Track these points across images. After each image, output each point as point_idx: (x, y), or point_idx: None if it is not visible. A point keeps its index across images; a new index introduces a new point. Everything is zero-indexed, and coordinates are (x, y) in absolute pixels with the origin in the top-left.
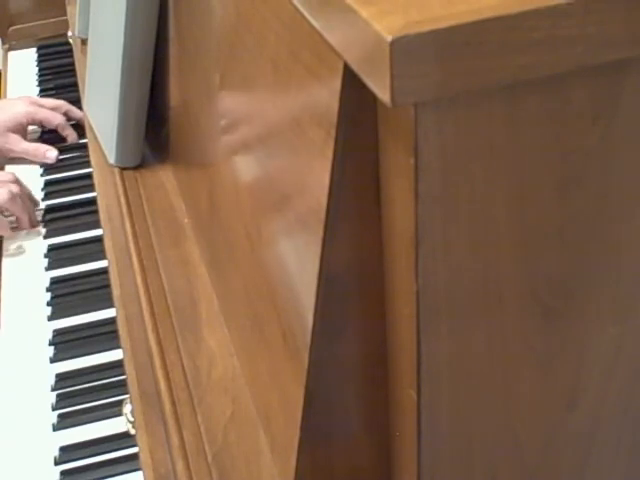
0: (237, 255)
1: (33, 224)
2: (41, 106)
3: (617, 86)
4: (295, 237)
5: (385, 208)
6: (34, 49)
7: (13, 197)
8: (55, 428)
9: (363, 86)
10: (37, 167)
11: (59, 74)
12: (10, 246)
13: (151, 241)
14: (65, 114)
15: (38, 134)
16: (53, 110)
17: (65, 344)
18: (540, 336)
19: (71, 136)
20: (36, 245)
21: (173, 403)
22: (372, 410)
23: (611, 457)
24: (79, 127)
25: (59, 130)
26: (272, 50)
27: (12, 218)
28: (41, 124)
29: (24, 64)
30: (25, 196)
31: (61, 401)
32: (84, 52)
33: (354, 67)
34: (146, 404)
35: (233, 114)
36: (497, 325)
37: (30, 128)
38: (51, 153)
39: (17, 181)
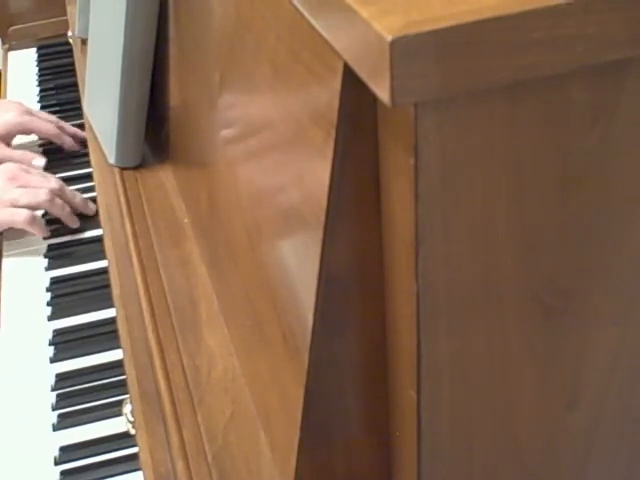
0: (237, 255)
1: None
2: (33, 116)
3: (617, 86)
4: (295, 237)
5: (385, 208)
6: (34, 49)
7: (52, 198)
8: (55, 428)
9: (363, 86)
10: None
11: (59, 74)
12: (10, 246)
13: (151, 241)
14: (59, 129)
15: (37, 146)
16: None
17: (65, 344)
18: (540, 336)
19: (68, 143)
20: (36, 245)
21: (173, 403)
22: (372, 410)
23: (611, 457)
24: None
25: (54, 140)
26: (272, 50)
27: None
28: (32, 133)
29: (24, 64)
30: (67, 196)
31: (61, 401)
32: (84, 52)
33: (354, 67)
34: (146, 404)
35: (233, 114)
36: (497, 325)
37: (27, 140)
38: (38, 161)
39: (61, 184)
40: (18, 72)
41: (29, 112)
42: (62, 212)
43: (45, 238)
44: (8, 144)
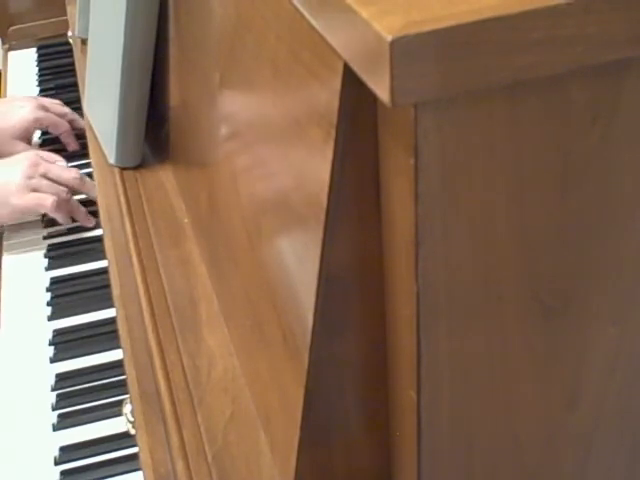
0: (237, 255)
1: (87, 221)
2: (47, 110)
3: (617, 86)
4: (295, 237)
5: (385, 208)
6: (34, 49)
7: (59, 204)
8: (55, 428)
9: (363, 86)
10: None
11: (59, 74)
12: (10, 246)
13: (151, 241)
14: (69, 122)
15: (38, 137)
16: (59, 117)
17: (65, 344)
18: (540, 336)
19: (72, 145)
20: (36, 245)
21: (173, 403)
22: (372, 410)
23: (611, 457)
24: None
25: (62, 137)
26: (272, 50)
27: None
28: (47, 129)
29: (24, 64)
30: (87, 187)
31: (61, 401)
32: (84, 52)
33: (354, 67)
34: (146, 404)
35: (233, 114)
36: (497, 325)
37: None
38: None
39: (81, 175)
40: (18, 72)
41: (43, 106)
42: (77, 212)
43: (46, 238)
44: (29, 141)
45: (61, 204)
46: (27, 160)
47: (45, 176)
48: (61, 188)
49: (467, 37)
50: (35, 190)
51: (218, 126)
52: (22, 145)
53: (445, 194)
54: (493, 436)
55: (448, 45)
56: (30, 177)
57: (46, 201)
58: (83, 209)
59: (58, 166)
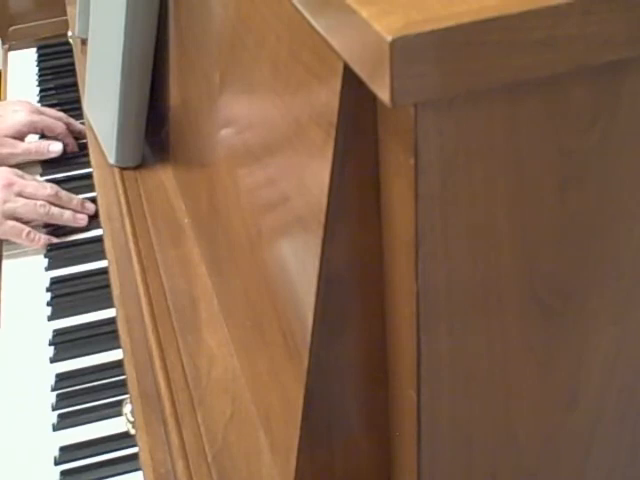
0: (237, 255)
1: (77, 221)
2: (42, 113)
3: (617, 86)
4: (295, 237)
5: (385, 208)
6: (34, 49)
7: (48, 210)
8: (55, 428)
9: (363, 86)
10: (37, 167)
11: (59, 74)
12: (10, 246)
13: (151, 241)
14: (66, 125)
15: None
16: (55, 119)
17: (65, 344)
18: (540, 336)
19: (71, 145)
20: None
21: (173, 403)
22: (372, 410)
23: (611, 457)
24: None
25: (60, 138)
26: (272, 50)
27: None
28: (42, 132)
29: (24, 64)
30: (62, 201)
31: (61, 401)
32: (84, 52)
33: (354, 67)
34: (146, 404)
35: (233, 114)
36: (497, 325)
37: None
38: (54, 146)
39: (56, 189)
40: (18, 72)
41: (38, 110)
42: (61, 219)
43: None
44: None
45: (34, 238)
46: (0, 181)
47: (20, 195)
48: (39, 202)
49: (467, 37)
50: (11, 215)
51: (218, 126)
52: (10, 140)
53: (445, 194)
54: (493, 436)
55: (448, 45)
56: (5, 201)
57: (22, 232)
58: (67, 214)
59: (33, 183)
